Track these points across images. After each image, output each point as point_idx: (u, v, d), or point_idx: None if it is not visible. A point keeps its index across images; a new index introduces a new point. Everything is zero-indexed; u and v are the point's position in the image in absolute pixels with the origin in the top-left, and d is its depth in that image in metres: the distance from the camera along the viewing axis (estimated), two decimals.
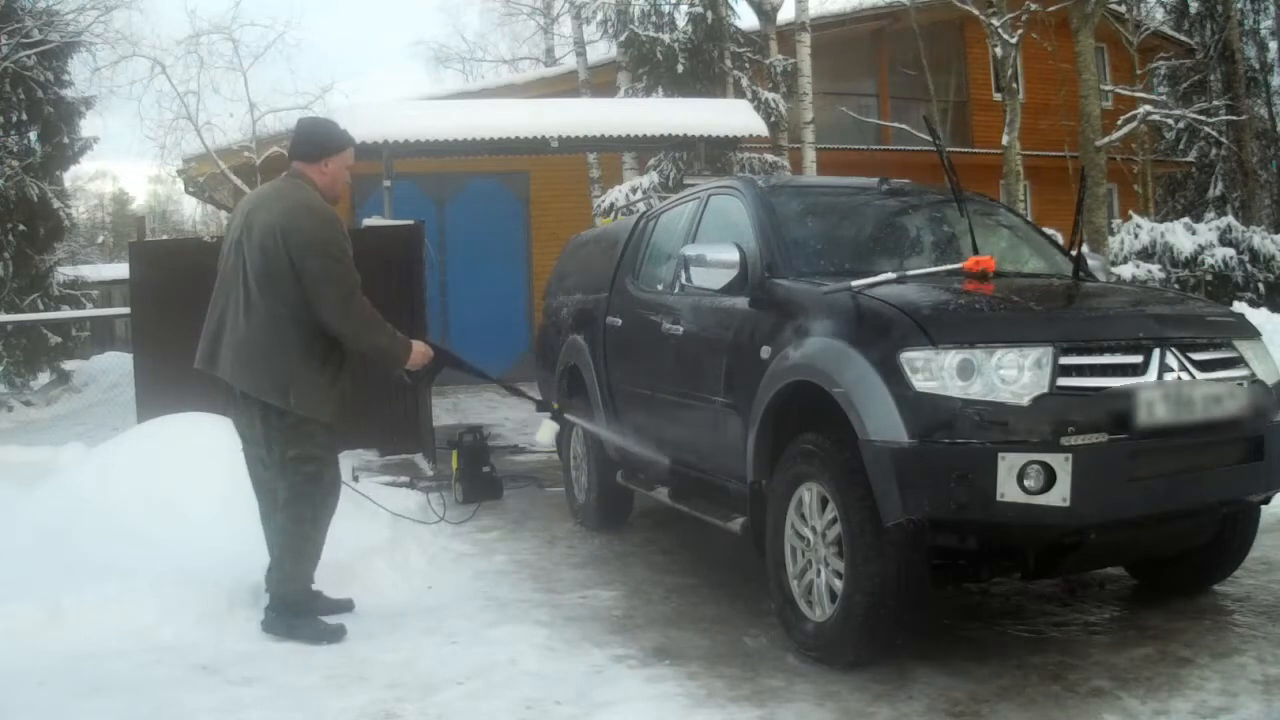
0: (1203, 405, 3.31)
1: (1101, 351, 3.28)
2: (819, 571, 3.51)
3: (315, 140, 3.98)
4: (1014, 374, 3.14)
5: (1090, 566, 4.03)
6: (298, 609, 3.86)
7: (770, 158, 13.47)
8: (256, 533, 3.99)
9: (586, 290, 5.98)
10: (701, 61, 13.34)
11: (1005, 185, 13.29)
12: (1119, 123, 14.36)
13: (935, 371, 3.16)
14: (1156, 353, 3.31)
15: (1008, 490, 3.04)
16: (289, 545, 3.87)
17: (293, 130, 4.16)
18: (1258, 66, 23.41)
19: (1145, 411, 3.17)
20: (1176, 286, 12.49)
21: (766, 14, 14.25)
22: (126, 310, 9.57)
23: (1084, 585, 4.30)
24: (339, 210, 4.02)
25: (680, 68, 13.08)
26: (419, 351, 4.02)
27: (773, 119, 13.24)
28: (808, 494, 3.56)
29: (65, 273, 15.25)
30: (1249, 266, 13.32)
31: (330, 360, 3.86)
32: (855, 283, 3.56)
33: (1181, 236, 13.47)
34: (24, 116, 13.99)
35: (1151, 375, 3.27)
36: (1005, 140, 13.27)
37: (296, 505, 3.85)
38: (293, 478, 3.84)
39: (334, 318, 3.76)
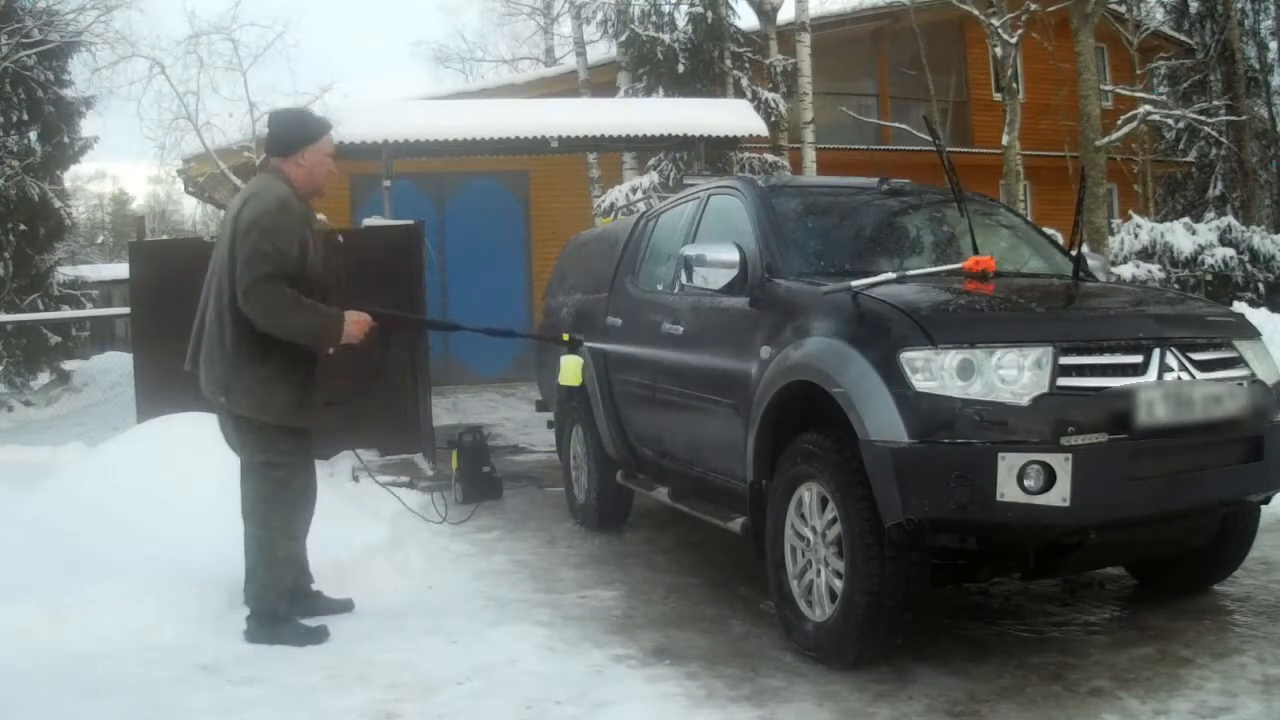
0: (1203, 405, 3.31)
1: (1101, 351, 3.28)
2: (819, 571, 3.51)
3: (287, 133, 3.83)
4: (1014, 374, 3.14)
5: (1090, 566, 4.03)
6: (276, 617, 3.80)
7: (770, 158, 13.48)
8: None
9: (586, 290, 5.98)
10: (701, 61, 13.35)
11: (1005, 185, 13.29)
12: (1119, 123, 14.36)
13: (935, 371, 3.16)
14: (1156, 353, 3.31)
15: (1008, 490, 3.04)
16: (260, 555, 3.78)
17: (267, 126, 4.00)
18: (1258, 66, 23.41)
19: (1145, 411, 3.17)
20: (1176, 286, 12.50)
21: (766, 14, 14.25)
22: (126, 310, 9.57)
23: (1084, 585, 4.30)
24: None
25: (680, 68, 13.09)
26: (355, 321, 3.74)
27: (773, 119, 13.25)
28: (808, 494, 3.57)
29: (65, 273, 15.24)
30: (1249, 266, 13.35)
31: (272, 356, 3.65)
32: (855, 283, 3.56)
33: (1181, 236, 13.49)
34: (24, 116, 13.97)
35: (1151, 375, 3.27)
36: (1005, 140, 13.28)
37: (263, 512, 3.77)
38: (260, 483, 3.77)
39: (244, 302, 3.54)
